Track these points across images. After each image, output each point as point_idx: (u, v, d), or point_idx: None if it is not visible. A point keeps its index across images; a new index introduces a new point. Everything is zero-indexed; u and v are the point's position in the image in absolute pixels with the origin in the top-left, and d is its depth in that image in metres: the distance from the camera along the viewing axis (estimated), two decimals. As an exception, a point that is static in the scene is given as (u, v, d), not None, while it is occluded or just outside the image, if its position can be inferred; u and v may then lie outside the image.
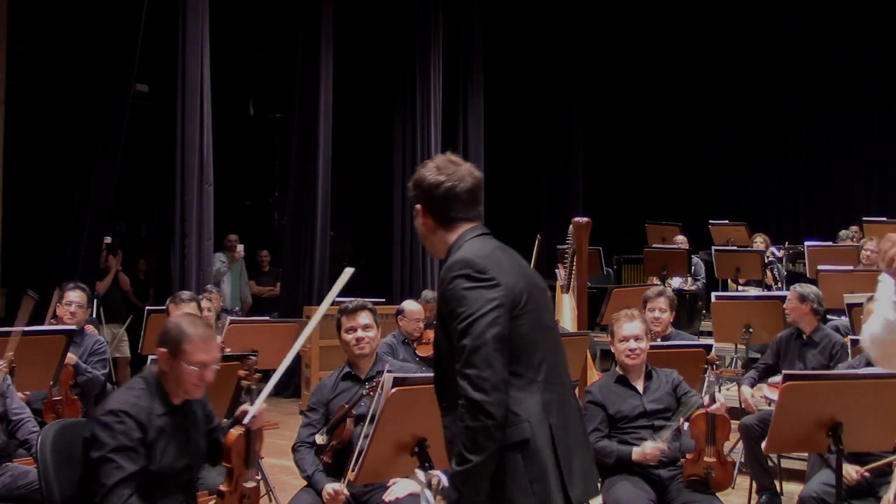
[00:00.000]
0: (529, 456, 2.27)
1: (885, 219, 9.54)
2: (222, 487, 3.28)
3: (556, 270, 6.45)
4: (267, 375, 3.84)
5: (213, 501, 3.35)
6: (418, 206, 2.51)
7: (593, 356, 5.81)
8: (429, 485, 2.42)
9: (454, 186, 2.45)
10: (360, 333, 3.94)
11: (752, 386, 5.60)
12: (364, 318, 3.95)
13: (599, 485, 2.50)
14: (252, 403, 3.35)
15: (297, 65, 9.56)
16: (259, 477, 3.55)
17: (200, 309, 4.97)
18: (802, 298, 5.58)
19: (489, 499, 2.24)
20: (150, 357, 3.89)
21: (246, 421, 3.23)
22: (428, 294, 7.67)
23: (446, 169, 2.48)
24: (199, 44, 7.95)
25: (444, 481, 2.36)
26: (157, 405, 2.97)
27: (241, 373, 3.49)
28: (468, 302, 2.26)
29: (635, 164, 14.04)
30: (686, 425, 4.19)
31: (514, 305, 2.32)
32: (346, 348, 3.99)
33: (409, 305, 6.69)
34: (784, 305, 5.71)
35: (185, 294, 4.90)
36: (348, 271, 3.07)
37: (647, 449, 3.91)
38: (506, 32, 12.42)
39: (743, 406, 5.46)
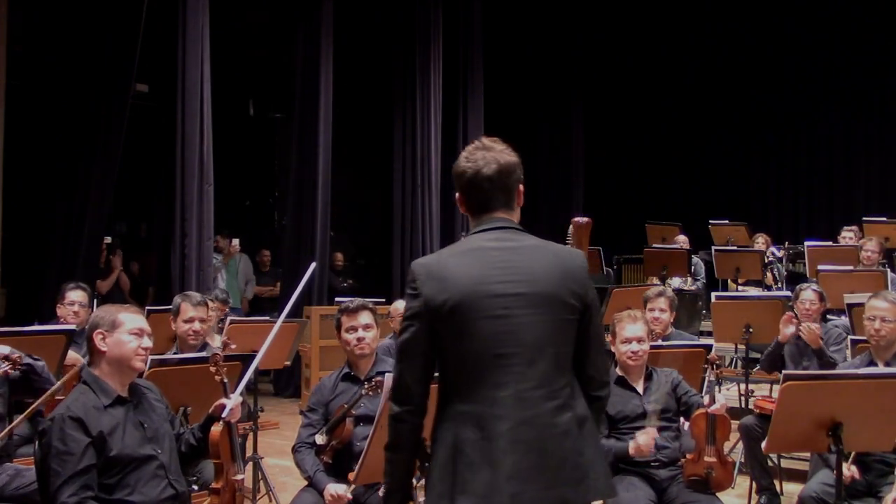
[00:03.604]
0: (425, 455, 2.41)
1: (885, 219, 9.55)
2: (215, 485, 3.36)
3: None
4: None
5: (208, 500, 3.38)
6: (457, 195, 2.52)
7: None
8: None
9: (476, 174, 2.43)
10: (360, 333, 3.94)
11: None
12: (365, 317, 3.95)
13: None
14: (227, 397, 3.41)
15: (297, 65, 9.56)
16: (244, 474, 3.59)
17: (207, 308, 4.97)
18: (822, 297, 5.70)
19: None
20: (149, 357, 3.90)
21: (225, 415, 3.31)
22: None
23: (472, 155, 2.45)
24: (199, 44, 7.94)
25: None
26: (101, 398, 3.06)
27: (212, 369, 3.53)
28: (405, 306, 2.44)
29: (635, 164, 14.04)
30: (686, 425, 4.19)
31: (434, 316, 2.33)
32: (346, 348, 3.99)
33: (395, 305, 6.69)
34: (806, 307, 5.62)
35: (197, 296, 4.90)
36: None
37: (640, 440, 3.89)
38: (506, 32, 12.42)
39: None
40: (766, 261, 9.08)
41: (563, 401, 2.33)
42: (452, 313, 2.31)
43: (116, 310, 3.20)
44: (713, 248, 9.43)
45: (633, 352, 4.11)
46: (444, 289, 2.33)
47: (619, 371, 4.19)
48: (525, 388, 2.29)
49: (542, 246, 2.44)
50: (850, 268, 7.57)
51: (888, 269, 7.61)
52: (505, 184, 2.43)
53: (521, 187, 2.50)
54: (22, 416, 3.96)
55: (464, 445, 2.29)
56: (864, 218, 9.57)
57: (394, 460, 2.43)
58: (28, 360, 3.88)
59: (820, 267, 7.40)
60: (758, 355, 6.21)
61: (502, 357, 2.30)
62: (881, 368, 4.26)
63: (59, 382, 3.94)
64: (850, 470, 3.87)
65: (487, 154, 2.43)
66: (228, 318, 6.14)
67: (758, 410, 5.27)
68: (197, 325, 4.70)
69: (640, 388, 4.14)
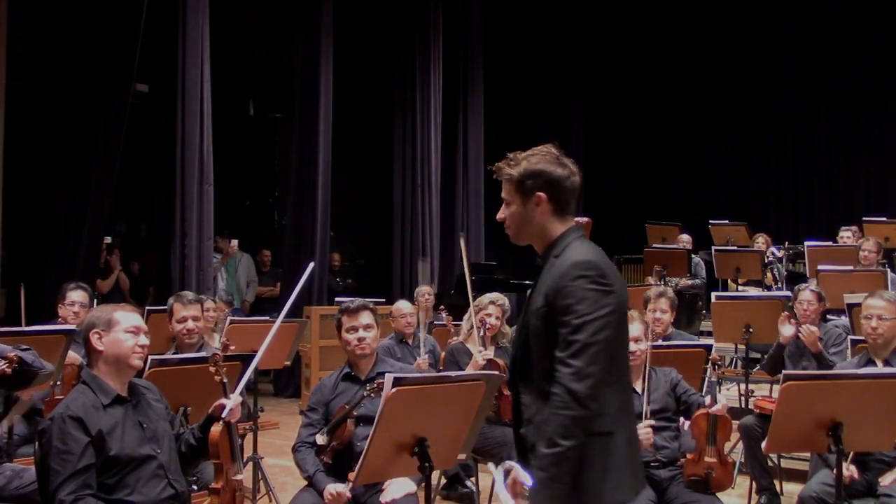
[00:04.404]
0: (609, 446, 2.42)
1: (885, 219, 9.55)
2: (215, 485, 3.36)
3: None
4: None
5: (208, 500, 3.38)
6: (542, 195, 2.55)
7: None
8: (506, 477, 2.44)
9: (576, 181, 2.58)
10: (361, 333, 3.93)
11: None
12: (365, 317, 3.95)
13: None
14: (227, 397, 3.41)
15: (297, 65, 9.56)
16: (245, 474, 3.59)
17: (203, 309, 4.97)
18: (821, 297, 5.69)
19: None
20: (149, 357, 3.91)
21: (224, 415, 3.31)
22: (424, 287, 7.78)
23: (565, 161, 2.58)
24: (199, 44, 7.95)
25: (522, 475, 2.38)
26: (100, 398, 3.07)
27: (211, 369, 3.53)
28: (588, 302, 2.40)
29: (635, 164, 14.04)
30: (686, 425, 4.19)
31: (622, 312, 2.48)
32: (346, 348, 3.99)
33: (396, 304, 6.69)
34: (804, 308, 5.61)
35: (189, 295, 4.90)
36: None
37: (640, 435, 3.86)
38: (506, 32, 12.42)
39: None
40: (766, 261, 9.07)
41: None
42: (625, 312, 2.53)
43: (112, 309, 3.22)
44: (713, 248, 9.43)
45: (630, 352, 4.09)
46: (623, 286, 2.51)
47: (618, 371, 4.18)
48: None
49: None
50: (850, 268, 7.56)
51: (888, 269, 7.61)
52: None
53: (542, 195, 2.62)
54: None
55: (627, 433, 2.50)
56: (864, 218, 9.56)
57: (574, 459, 2.35)
58: (19, 354, 3.87)
59: (820, 267, 7.40)
60: (758, 355, 6.21)
61: (627, 352, 2.68)
62: (880, 368, 4.26)
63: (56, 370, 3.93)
64: (848, 469, 3.87)
65: (572, 164, 2.59)
66: (228, 319, 6.14)
67: (758, 410, 5.27)
68: (190, 324, 4.69)
69: (639, 388, 4.14)
